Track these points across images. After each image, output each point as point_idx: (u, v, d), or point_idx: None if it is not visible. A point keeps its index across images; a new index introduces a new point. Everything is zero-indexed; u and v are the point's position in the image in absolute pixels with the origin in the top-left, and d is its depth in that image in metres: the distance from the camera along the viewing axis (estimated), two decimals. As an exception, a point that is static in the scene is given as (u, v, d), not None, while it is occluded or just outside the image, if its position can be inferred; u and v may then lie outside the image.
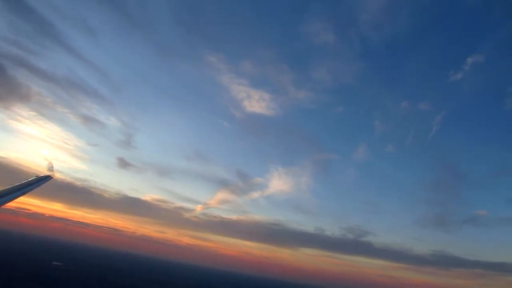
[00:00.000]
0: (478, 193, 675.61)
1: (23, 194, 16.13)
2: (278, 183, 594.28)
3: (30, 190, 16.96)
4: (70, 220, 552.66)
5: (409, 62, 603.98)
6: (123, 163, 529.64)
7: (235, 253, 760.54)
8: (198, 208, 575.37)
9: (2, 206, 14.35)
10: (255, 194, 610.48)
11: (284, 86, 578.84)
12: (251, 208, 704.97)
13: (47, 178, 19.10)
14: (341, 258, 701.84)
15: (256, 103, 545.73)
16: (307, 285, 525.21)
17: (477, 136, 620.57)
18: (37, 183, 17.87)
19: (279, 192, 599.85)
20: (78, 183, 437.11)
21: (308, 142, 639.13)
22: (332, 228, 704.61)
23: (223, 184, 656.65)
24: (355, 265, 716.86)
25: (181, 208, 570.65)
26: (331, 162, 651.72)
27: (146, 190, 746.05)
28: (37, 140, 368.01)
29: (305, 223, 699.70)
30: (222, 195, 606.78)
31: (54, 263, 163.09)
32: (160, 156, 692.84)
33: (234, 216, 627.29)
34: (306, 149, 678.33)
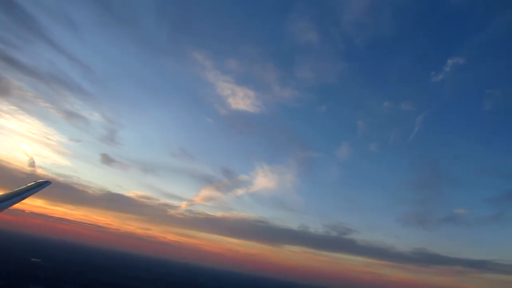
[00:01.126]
0: (457, 192, 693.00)
1: (22, 199, 16.11)
2: (263, 180, 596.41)
3: (29, 195, 16.97)
4: (51, 217, 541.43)
5: (392, 62, 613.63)
6: (107, 159, 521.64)
7: (219, 250, 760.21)
8: (183, 204, 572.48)
9: (1, 212, 14.36)
10: (240, 191, 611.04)
11: (269, 84, 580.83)
12: (236, 205, 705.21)
13: (46, 183, 19.18)
14: (325, 255, 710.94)
15: (241, 100, 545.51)
16: (291, 282, 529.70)
17: (457, 137, 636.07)
18: (36, 188, 17.94)
19: (264, 189, 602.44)
20: (61, 179, 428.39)
21: (293, 140, 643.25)
22: (316, 226, 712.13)
23: (208, 181, 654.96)
24: (338, 262, 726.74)
25: (166, 204, 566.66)
26: (315, 160, 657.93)
27: (130, 186, 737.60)
28: (18, 135, 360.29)
29: (289, 221, 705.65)
30: (207, 192, 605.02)
31: (32, 259, 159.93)
32: (144, 153, 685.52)
33: (219, 213, 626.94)
34: (290, 147, 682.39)
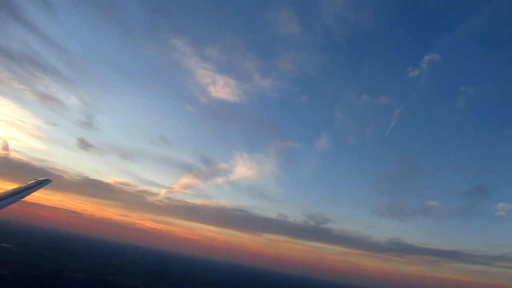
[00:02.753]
0: (431, 185, 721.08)
1: (22, 197, 15.86)
2: (242, 169, 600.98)
3: (29, 193, 16.67)
4: (25, 202, 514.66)
5: (370, 56, 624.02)
6: (84, 144, 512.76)
7: (198, 237, 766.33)
8: (162, 192, 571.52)
9: (1, 210, 14.13)
10: (220, 180, 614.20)
11: (250, 73, 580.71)
12: (215, 193, 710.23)
13: (46, 181, 18.95)
14: (303, 244, 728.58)
15: (221, 89, 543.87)
16: (269, 270, 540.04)
17: (431, 131, 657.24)
18: (36, 187, 17.69)
19: (243, 178, 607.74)
20: (36, 163, 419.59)
21: (272, 130, 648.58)
22: (294, 215, 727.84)
23: (187, 168, 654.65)
24: (316, 251, 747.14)
25: (145, 191, 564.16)
26: (295, 151, 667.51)
27: (109, 172, 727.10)
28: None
29: (268, 209, 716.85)
30: (186, 179, 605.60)
31: (2, 244, 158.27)
32: (123, 139, 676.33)
33: (198, 201, 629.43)
34: (270, 137, 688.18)
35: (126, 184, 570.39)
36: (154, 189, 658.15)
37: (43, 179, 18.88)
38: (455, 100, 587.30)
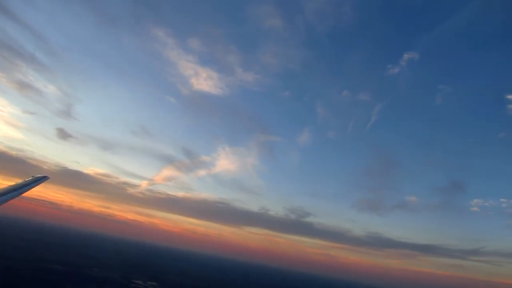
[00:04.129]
0: (409, 181, 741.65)
1: (19, 194, 15.91)
2: (225, 162, 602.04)
3: (27, 190, 16.71)
4: None
5: (351, 53, 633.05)
6: (63, 134, 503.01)
7: (180, 229, 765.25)
8: (143, 184, 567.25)
9: None
10: (202, 172, 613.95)
11: (232, 67, 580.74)
12: (197, 186, 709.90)
13: (44, 178, 19.11)
14: (284, 237, 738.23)
15: (204, 81, 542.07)
16: (250, 263, 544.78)
17: (410, 128, 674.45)
18: (34, 184, 17.82)
19: (225, 171, 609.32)
20: (13, 152, 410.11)
21: (255, 124, 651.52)
22: (276, 208, 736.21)
23: (168, 160, 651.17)
24: (296, 244, 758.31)
25: (126, 183, 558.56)
26: (276, 145, 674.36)
27: (89, 163, 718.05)
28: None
29: (250, 203, 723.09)
30: (168, 171, 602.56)
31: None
32: (103, 129, 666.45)
33: (180, 193, 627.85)
34: (252, 131, 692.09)
35: (107, 176, 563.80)
36: (135, 181, 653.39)
37: (41, 176, 19.15)
38: (433, 98, 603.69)
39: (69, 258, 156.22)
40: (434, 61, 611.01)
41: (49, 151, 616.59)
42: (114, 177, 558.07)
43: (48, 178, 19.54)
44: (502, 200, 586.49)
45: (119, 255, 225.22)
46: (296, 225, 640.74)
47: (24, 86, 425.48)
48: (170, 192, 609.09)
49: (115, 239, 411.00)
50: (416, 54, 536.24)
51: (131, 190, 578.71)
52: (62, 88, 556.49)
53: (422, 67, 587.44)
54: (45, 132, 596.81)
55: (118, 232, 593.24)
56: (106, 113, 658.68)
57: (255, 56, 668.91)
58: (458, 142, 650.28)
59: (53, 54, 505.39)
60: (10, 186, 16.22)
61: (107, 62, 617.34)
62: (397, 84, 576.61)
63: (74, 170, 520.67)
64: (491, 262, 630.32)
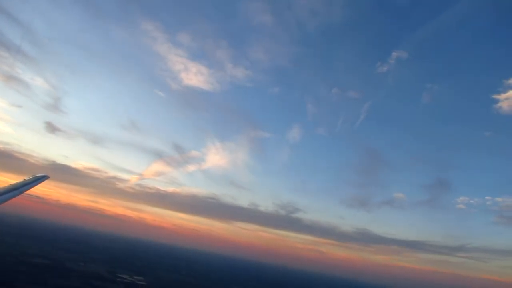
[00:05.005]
0: (397, 178, 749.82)
1: (20, 193, 15.87)
2: (215, 157, 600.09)
3: (27, 189, 16.71)
4: None
5: (341, 50, 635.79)
6: (51, 128, 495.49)
7: (169, 225, 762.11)
8: (133, 178, 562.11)
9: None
10: (192, 167, 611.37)
11: (222, 62, 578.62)
12: (187, 181, 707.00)
13: (44, 177, 19.04)
14: (274, 232, 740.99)
15: (194, 76, 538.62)
16: (239, 258, 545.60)
17: (398, 126, 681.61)
18: (34, 183, 17.80)
19: (216, 166, 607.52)
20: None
21: (245, 120, 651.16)
22: (265, 204, 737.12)
23: (158, 155, 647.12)
24: (286, 240, 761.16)
25: (115, 177, 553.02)
26: (266, 140, 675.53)
27: (77, 157, 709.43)
28: None
29: (239, 198, 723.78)
30: (157, 166, 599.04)
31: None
32: (92, 123, 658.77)
33: (170, 188, 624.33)
34: (242, 126, 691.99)
35: (96, 170, 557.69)
36: (124, 176, 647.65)
37: (41, 175, 19.13)
38: (421, 96, 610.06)
39: (54, 252, 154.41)
40: (422, 59, 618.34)
41: (37, 145, 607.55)
42: (103, 172, 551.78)
43: (48, 177, 19.63)
44: (487, 197, 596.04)
45: (107, 250, 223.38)
46: (285, 220, 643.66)
47: (10, 79, 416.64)
48: (159, 187, 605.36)
49: (103, 234, 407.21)
50: (404, 52, 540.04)
51: (120, 185, 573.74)
52: (50, 81, 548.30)
53: (410, 65, 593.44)
54: (32, 126, 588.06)
55: (106, 227, 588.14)
56: (95, 106, 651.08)
57: (246, 52, 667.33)
58: (445, 140, 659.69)
59: (40, 46, 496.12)
60: (11, 185, 16.28)
61: (95, 55, 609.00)
62: (386, 82, 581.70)
63: (63, 164, 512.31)
64: (477, 259, 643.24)
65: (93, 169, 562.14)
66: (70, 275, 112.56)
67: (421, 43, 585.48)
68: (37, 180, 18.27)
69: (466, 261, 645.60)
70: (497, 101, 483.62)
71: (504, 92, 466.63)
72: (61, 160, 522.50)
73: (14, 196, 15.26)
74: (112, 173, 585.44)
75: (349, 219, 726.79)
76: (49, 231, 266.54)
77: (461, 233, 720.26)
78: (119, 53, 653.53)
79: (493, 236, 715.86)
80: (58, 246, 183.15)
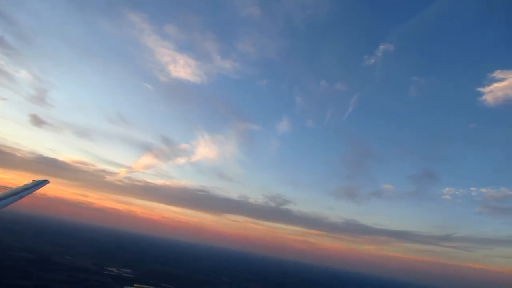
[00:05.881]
0: (384, 169, 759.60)
1: (20, 198, 16.14)
2: (204, 150, 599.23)
3: (27, 194, 17.00)
4: None
5: (329, 43, 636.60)
6: (37, 121, 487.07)
7: (159, 217, 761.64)
8: (122, 171, 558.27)
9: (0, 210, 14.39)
10: (181, 160, 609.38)
11: (210, 54, 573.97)
12: (176, 173, 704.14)
13: (44, 182, 19.27)
14: (264, 224, 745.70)
15: (182, 68, 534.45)
16: (229, 250, 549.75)
17: (385, 118, 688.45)
18: (34, 187, 18.00)
19: (205, 159, 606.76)
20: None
21: (234, 112, 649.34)
22: (255, 196, 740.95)
23: (147, 148, 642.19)
24: (276, 231, 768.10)
25: (103, 171, 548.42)
26: (255, 133, 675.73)
27: (65, 150, 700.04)
28: None
29: (229, 190, 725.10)
30: (146, 159, 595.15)
31: None
32: (79, 116, 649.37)
33: (159, 181, 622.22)
34: (231, 119, 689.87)
35: (84, 163, 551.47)
36: (113, 169, 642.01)
37: (41, 180, 19.44)
38: (408, 89, 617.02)
39: (40, 246, 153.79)
40: (408, 53, 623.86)
41: (23, 139, 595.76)
42: (91, 165, 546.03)
43: (49, 182, 19.87)
44: (472, 188, 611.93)
45: (95, 243, 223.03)
46: (275, 212, 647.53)
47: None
48: (149, 180, 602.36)
49: (92, 228, 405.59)
50: (391, 45, 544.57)
51: (109, 178, 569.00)
52: (34, 73, 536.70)
53: (397, 58, 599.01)
54: (17, 119, 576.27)
55: (95, 220, 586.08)
56: (81, 99, 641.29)
57: (234, 44, 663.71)
58: (431, 132, 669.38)
59: (23, 38, 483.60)
60: (11, 189, 16.57)
61: (81, 47, 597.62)
62: (373, 75, 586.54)
63: (50, 158, 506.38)
64: (462, 248, 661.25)
65: (81, 163, 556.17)
66: (57, 268, 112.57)
67: (408, 37, 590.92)
68: (37, 185, 18.62)
69: (452, 250, 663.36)
70: (481, 94, 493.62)
71: (489, 85, 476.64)
72: (48, 153, 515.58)
73: (14, 201, 15.48)
74: (100, 166, 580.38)
75: (338, 210, 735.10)
76: (36, 226, 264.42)
77: (447, 223, 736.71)
78: (106, 45, 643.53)
79: (478, 226, 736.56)
80: (45, 240, 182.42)
